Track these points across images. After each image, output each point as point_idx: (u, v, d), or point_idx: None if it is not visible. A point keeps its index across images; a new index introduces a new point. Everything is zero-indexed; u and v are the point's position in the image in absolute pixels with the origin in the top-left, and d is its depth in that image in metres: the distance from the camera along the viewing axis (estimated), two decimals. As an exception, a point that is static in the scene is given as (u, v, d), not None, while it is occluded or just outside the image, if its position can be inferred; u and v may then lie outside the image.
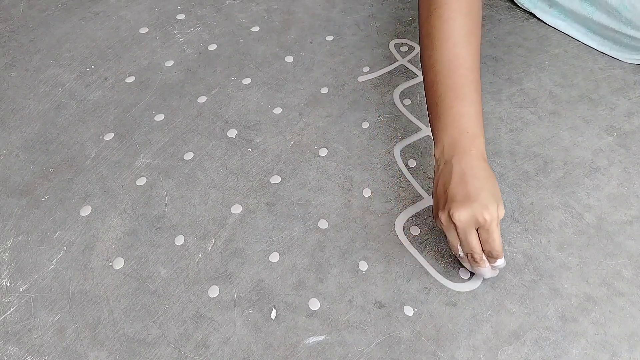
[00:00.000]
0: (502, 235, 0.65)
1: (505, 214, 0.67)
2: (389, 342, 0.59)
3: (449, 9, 0.62)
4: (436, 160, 0.61)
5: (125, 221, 0.69)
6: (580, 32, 0.84)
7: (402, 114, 0.78)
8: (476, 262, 0.58)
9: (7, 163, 0.75)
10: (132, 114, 0.80)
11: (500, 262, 0.59)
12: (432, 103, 0.62)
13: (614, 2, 0.77)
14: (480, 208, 0.55)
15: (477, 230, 0.57)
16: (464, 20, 0.62)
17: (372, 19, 0.91)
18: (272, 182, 0.72)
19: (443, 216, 0.57)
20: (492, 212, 0.55)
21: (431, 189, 0.70)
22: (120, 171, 0.73)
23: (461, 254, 0.59)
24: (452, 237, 0.58)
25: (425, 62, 0.63)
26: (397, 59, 0.85)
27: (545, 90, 0.79)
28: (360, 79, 0.83)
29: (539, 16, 0.87)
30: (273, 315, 0.61)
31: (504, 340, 0.58)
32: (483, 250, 0.58)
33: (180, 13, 0.94)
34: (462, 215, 0.55)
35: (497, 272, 0.61)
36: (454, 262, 0.64)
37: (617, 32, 0.79)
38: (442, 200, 0.58)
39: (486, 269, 0.59)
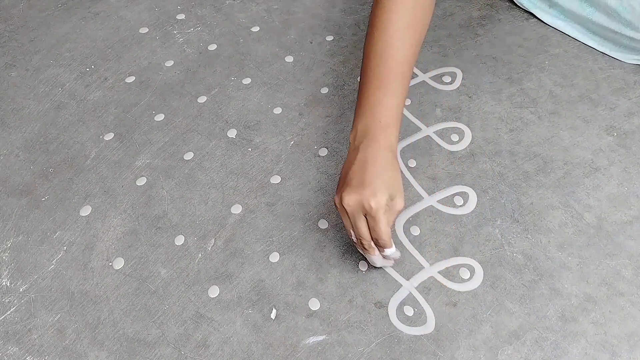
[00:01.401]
0: (501, 231, 0.65)
1: (505, 213, 0.67)
2: (389, 342, 0.59)
3: (392, 2, 0.63)
4: (349, 145, 0.62)
5: (125, 221, 0.69)
6: (580, 32, 0.84)
7: (402, 114, 0.78)
8: (365, 248, 0.60)
9: (7, 163, 0.75)
10: (132, 114, 0.80)
11: (391, 252, 0.59)
12: (359, 90, 0.64)
13: (613, 3, 0.77)
14: (368, 195, 0.56)
15: (366, 217, 0.58)
16: (406, 14, 0.63)
17: (372, 19, 0.91)
18: (272, 182, 0.72)
19: (337, 199, 0.59)
20: (379, 200, 0.56)
21: (432, 189, 0.70)
22: (120, 171, 0.73)
23: (354, 238, 0.60)
24: (345, 221, 0.59)
25: (364, 50, 0.65)
26: (397, 59, 0.85)
27: (545, 90, 0.79)
28: (360, 79, 0.83)
29: (538, 16, 0.87)
30: (273, 315, 0.61)
31: (504, 340, 0.58)
32: (372, 238, 0.59)
33: (180, 13, 0.94)
34: (350, 200, 0.57)
35: (391, 262, 0.62)
36: (454, 262, 0.64)
37: (616, 33, 0.79)
38: (341, 184, 0.60)
39: (376, 257, 0.60)
